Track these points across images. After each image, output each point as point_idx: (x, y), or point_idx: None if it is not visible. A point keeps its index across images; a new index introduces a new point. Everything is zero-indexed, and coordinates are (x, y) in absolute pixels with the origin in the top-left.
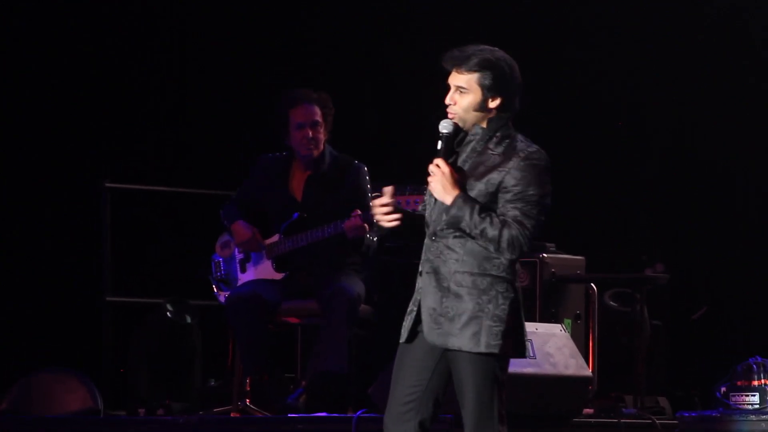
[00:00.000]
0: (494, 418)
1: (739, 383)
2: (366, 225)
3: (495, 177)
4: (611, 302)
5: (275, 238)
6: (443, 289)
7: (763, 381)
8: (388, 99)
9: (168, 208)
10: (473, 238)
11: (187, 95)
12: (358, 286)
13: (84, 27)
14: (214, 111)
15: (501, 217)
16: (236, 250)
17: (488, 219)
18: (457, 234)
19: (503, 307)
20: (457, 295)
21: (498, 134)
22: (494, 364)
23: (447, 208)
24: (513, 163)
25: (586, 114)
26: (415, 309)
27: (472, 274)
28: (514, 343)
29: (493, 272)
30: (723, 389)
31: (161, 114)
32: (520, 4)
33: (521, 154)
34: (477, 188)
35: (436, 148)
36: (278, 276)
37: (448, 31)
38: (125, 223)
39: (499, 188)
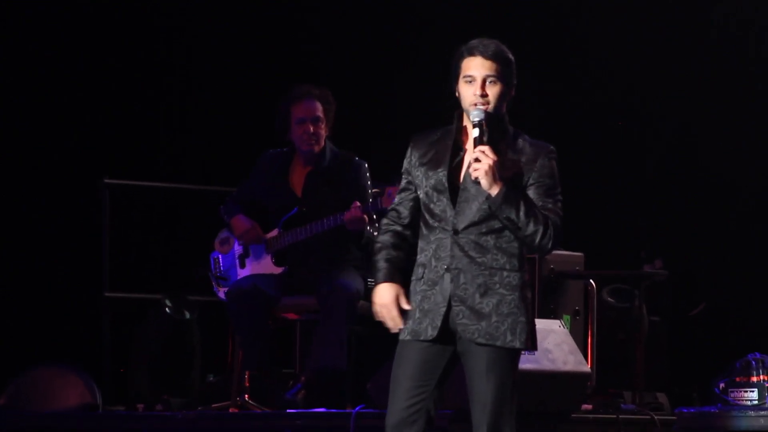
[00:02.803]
0: (513, 413)
1: (737, 379)
2: (366, 217)
3: (526, 171)
4: (610, 298)
5: (275, 232)
6: (477, 286)
7: (761, 377)
8: (389, 96)
9: (167, 204)
10: (513, 230)
11: (186, 91)
12: (357, 283)
13: (83, 23)
14: (214, 107)
15: (543, 212)
16: (236, 244)
17: (534, 211)
18: (484, 230)
19: (530, 302)
20: (493, 292)
21: (511, 127)
22: (516, 359)
23: (481, 200)
24: (542, 158)
25: (586, 111)
26: (443, 307)
27: (505, 270)
28: (533, 337)
29: (521, 269)
30: (722, 385)
31: (161, 110)
32: (522, 3)
33: (545, 150)
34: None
35: (474, 137)
36: (277, 270)
37: (450, 29)
38: (124, 219)
39: (529, 182)
